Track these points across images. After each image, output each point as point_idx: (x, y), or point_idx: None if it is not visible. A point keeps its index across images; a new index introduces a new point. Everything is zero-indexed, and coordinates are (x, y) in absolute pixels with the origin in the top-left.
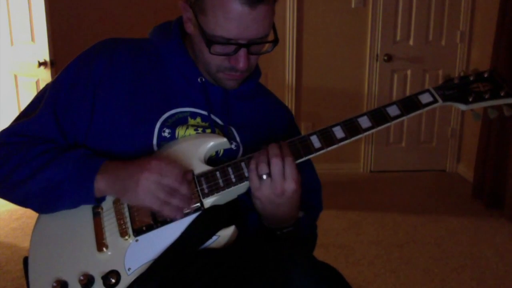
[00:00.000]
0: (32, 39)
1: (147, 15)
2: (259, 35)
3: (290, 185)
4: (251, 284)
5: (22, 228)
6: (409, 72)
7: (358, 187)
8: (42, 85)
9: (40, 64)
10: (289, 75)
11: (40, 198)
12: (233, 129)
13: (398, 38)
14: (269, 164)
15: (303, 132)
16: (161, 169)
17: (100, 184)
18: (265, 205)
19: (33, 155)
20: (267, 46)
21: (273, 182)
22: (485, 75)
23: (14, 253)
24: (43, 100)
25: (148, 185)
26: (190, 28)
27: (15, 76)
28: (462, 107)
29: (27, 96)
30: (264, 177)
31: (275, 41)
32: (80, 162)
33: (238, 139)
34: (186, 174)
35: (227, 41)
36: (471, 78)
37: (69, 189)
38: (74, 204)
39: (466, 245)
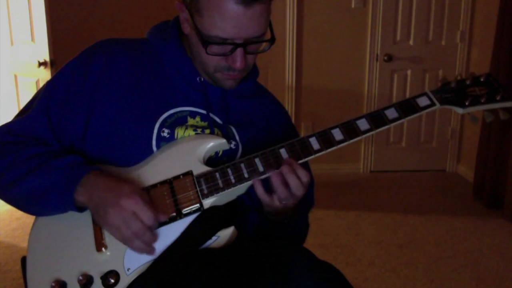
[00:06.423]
0: (32, 39)
1: (148, 15)
2: (255, 34)
3: (303, 189)
4: (252, 283)
5: (22, 228)
6: (409, 72)
7: (358, 187)
8: (42, 85)
9: (40, 64)
10: (289, 75)
11: (28, 203)
12: (232, 128)
13: (398, 38)
14: (284, 184)
15: (302, 132)
16: (135, 209)
17: (81, 197)
18: (281, 211)
19: (23, 158)
20: (264, 45)
21: (291, 196)
22: (481, 79)
23: (14, 253)
24: (37, 100)
25: (116, 220)
26: (187, 28)
27: (15, 76)
28: (459, 110)
29: (27, 96)
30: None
31: (272, 40)
32: (65, 172)
33: (237, 138)
34: (160, 215)
35: (223, 41)
36: (468, 82)
37: (53, 198)
38: (60, 212)
39: (466, 245)
